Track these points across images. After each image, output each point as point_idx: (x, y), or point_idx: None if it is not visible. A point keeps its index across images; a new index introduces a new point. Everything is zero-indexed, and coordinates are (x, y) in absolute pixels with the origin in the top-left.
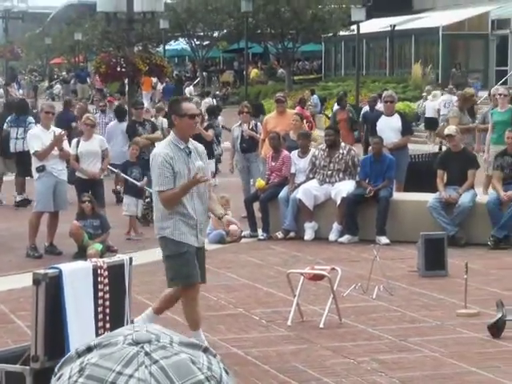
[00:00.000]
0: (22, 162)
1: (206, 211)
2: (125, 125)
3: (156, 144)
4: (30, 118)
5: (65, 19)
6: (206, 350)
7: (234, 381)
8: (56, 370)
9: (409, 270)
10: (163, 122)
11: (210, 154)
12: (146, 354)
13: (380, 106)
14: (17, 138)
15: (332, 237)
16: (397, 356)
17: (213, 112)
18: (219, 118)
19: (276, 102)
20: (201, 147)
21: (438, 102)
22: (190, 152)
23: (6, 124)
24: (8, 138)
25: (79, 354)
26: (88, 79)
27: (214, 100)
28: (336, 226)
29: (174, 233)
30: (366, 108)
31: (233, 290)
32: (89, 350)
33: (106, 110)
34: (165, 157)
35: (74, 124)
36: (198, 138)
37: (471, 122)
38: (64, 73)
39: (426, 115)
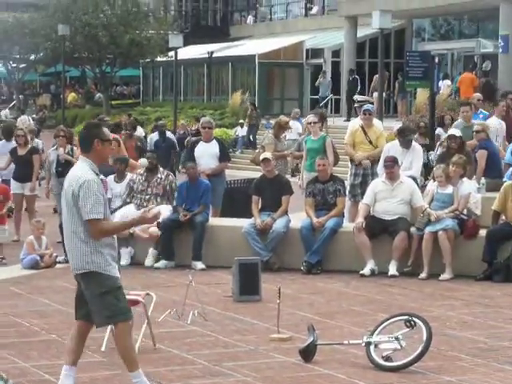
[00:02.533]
0: None
1: None
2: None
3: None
4: None
5: None
6: None
7: None
8: None
9: (224, 295)
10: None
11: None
12: None
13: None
14: None
15: (148, 262)
16: (210, 381)
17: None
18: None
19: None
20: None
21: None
22: (102, 180)
23: None
24: None
25: None
26: None
27: (31, 118)
28: (152, 250)
29: (107, 267)
30: (156, 136)
31: (46, 316)
32: None
33: None
34: (98, 183)
35: None
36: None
37: (286, 149)
38: None
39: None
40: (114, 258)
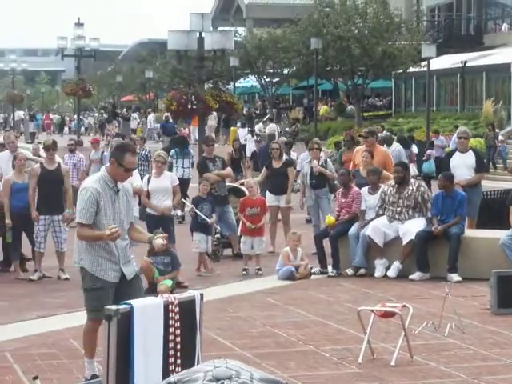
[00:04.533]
0: (182, 186)
1: (127, 245)
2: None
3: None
4: (192, 151)
5: (136, 57)
6: None
7: None
8: None
9: (481, 307)
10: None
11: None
12: None
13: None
14: (183, 168)
15: (377, 273)
16: None
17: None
18: (292, 153)
19: (362, 138)
20: (129, 187)
21: None
22: (118, 190)
23: (170, 157)
24: (171, 167)
25: None
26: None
27: (278, 126)
28: (378, 261)
29: (94, 268)
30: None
31: (302, 327)
32: None
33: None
34: (93, 192)
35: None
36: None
37: None
38: (124, 110)
39: None
40: (112, 262)
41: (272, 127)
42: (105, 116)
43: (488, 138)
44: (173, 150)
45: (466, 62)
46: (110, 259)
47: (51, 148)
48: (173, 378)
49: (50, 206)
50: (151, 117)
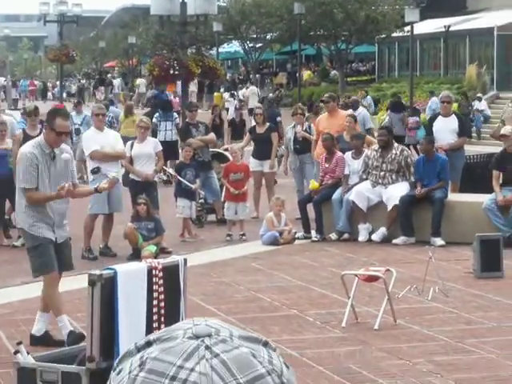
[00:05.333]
0: (168, 149)
1: (65, 210)
2: None
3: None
4: (175, 114)
5: (118, 23)
6: (265, 344)
7: (294, 375)
8: (115, 364)
9: (464, 271)
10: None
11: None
12: (207, 347)
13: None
14: (166, 130)
15: (360, 237)
16: (452, 357)
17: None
18: (278, 118)
19: (323, 103)
20: (68, 150)
21: None
22: (55, 156)
23: (154, 119)
24: (156, 130)
25: (139, 349)
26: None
27: (258, 89)
28: (361, 226)
29: (32, 228)
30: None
31: (286, 292)
32: (148, 344)
33: None
34: (31, 156)
35: (278, 118)
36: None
37: None
38: (109, 75)
39: None
40: (48, 223)
41: (253, 89)
42: (82, 82)
43: (461, 106)
44: (157, 114)
45: (449, 27)
46: (46, 221)
47: (33, 114)
48: (152, 336)
49: None
50: (117, 81)
